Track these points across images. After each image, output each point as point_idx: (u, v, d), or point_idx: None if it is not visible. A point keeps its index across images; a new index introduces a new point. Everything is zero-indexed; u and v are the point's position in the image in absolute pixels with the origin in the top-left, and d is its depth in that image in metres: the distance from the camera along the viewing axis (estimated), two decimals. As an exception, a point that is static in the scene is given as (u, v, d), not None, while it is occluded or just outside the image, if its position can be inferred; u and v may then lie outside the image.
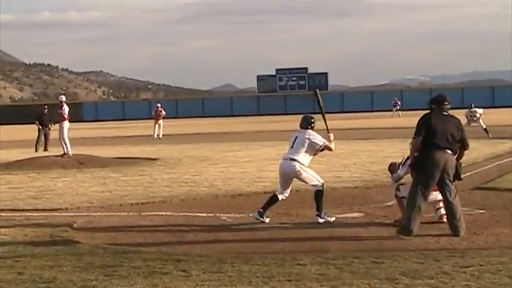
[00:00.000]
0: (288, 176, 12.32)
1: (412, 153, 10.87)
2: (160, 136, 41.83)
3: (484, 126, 35.04)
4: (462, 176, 11.13)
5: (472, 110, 36.35)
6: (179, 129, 52.91)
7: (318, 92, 13.07)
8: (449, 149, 10.69)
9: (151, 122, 45.36)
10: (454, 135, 10.76)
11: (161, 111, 43.57)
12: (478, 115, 35.88)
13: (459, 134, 10.85)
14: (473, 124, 35.49)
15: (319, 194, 12.15)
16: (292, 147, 12.33)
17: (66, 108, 27.34)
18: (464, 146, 11.00)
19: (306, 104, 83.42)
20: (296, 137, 12.40)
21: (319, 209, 12.13)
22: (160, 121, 43.07)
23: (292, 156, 12.20)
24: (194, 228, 11.88)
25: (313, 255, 9.28)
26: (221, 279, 8.15)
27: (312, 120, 12.49)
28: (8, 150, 33.98)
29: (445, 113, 10.87)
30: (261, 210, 12.27)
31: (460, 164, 10.90)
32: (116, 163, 24.63)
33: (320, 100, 12.77)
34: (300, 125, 12.52)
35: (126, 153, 29.61)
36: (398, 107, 70.65)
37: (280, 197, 12.37)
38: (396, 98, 74.03)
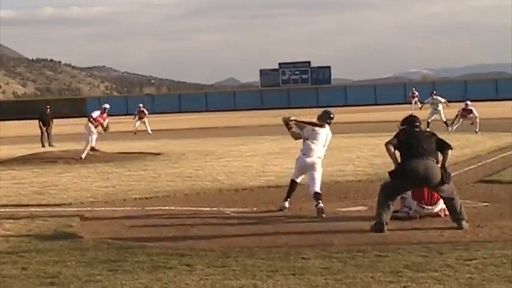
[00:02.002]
0: (309, 170, 12.62)
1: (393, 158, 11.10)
2: (150, 132, 42.07)
3: (444, 119, 34.38)
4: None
5: (434, 97, 35.80)
6: (182, 124, 52.92)
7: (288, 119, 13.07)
8: (428, 156, 10.77)
9: (153, 117, 45.59)
10: (429, 144, 10.94)
11: (143, 111, 44.30)
12: (440, 106, 35.02)
13: (434, 142, 11.02)
14: (435, 116, 34.85)
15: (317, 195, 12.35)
16: (318, 144, 12.62)
17: (94, 113, 26.80)
18: (445, 148, 11.03)
19: (309, 98, 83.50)
20: (320, 134, 12.65)
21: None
22: (145, 119, 43.77)
23: (319, 156, 12.63)
24: (198, 222, 11.89)
25: (317, 249, 9.29)
26: (225, 273, 8.16)
27: (332, 116, 12.82)
28: (12, 146, 34.04)
29: (416, 129, 11.22)
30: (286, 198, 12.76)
31: (445, 169, 10.91)
32: (120, 158, 24.64)
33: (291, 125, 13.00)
34: (319, 119, 12.87)
35: (129, 148, 29.63)
36: (417, 98, 66.57)
37: (298, 180, 12.87)
38: (414, 89, 70.82)
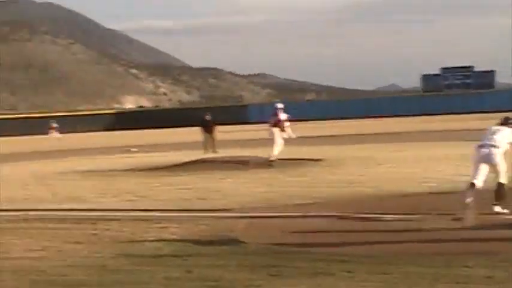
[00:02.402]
0: (487, 162, 12.57)
1: None
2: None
3: None
4: None
5: None
6: (342, 130, 52.85)
7: None
8: None
9: (313, 123, 45.62)
10: None
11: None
12: None
13: None
14: None
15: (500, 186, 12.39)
16: (494, 137, 12.82)
17: (280, 115, 27.38)
18: None
19: (473, 102, 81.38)
20: (498, 130, 12.98)
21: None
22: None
23: (494, 145, 12.69)
24: (358, 228, 11.81)
25: (481, 257, 9.02)
26: (386, 280, 8.06)
27: (510, 121, 13.28)
28: (178, 152, 35.02)
29: None
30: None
31: None
32: (281, 164, 24.80)
33: None
34: (502, 123, 13.25)
35: (290, 153, 29.82)
36: None
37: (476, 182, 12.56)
38: None
